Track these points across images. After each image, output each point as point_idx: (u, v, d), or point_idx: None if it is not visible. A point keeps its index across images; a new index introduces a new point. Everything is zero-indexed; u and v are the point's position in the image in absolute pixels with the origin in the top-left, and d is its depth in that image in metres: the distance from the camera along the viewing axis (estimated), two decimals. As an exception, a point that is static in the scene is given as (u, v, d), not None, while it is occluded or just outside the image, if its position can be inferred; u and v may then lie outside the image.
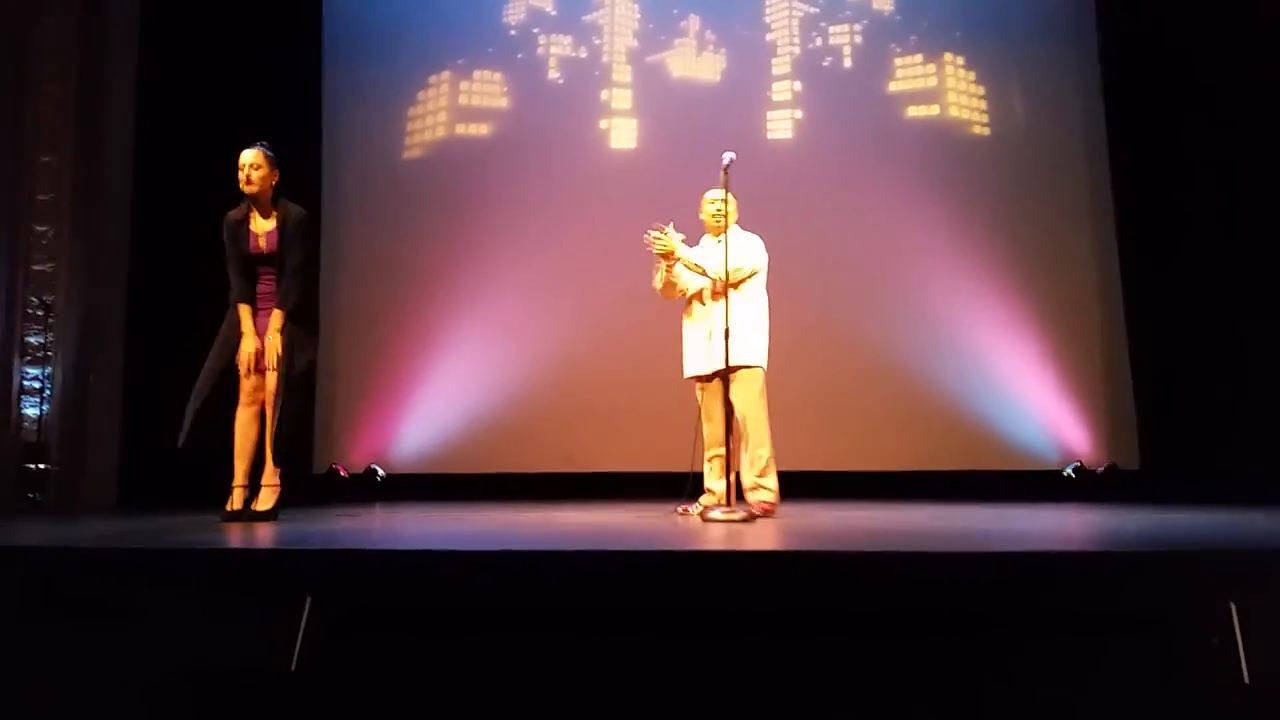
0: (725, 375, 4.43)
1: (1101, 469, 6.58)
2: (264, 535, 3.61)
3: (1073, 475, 6.57)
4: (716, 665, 2.58)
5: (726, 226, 4.55)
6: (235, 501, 4.32)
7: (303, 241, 4.38)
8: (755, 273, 4.60)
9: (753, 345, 4.54)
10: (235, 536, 3.56)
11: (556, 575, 2.71)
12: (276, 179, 4.41)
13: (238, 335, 4.34)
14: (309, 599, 2.59)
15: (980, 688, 2.52)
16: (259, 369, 4.30)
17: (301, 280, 4.37)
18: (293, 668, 2.49)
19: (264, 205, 4.36)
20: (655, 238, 4.54)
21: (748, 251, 4.59)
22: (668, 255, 4.56)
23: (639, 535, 3.46)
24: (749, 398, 4.51)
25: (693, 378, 4.70)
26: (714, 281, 4.52)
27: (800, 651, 2.57)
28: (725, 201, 4.58)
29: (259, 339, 4.31)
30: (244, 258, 4.34)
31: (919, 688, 2.53)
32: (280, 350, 4.26)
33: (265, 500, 4.33)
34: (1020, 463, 6.62)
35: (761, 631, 2.59)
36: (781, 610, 2.61)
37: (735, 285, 4.51)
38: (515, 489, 6.38)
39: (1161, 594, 2.55)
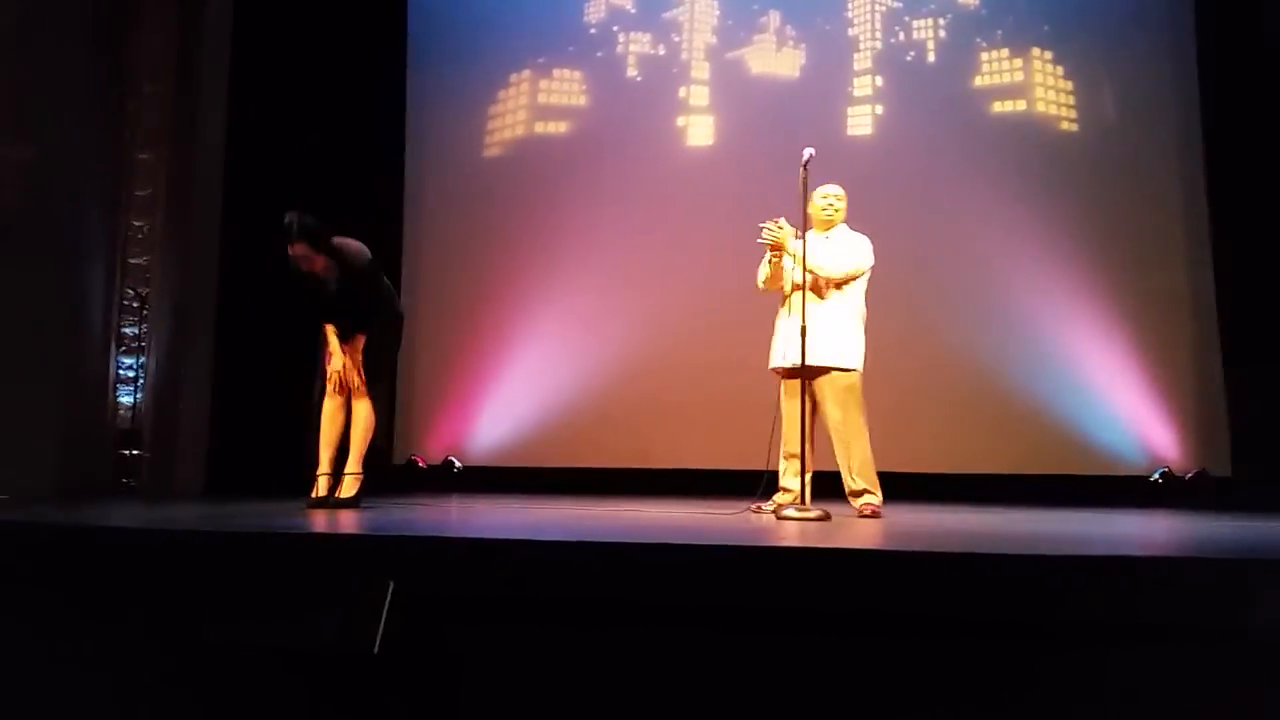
0: (806, 374, 4.38)
1: (1190, 475, 6.36)
2: (347, 521, 3.69)
3: (1161, 481, 6.37)
4: (786, 661, 2.57)
5: (806, 226, 4.49)
6: (320, 489, 4.42)
7: (373, 277, 4.49)
8: (861, 273, 4.50)
9: (847, 347, 4.43)
10: (320, 522, 3.65)
11: (628, 568, 2.71)
12: (323, 243, 4.39)
13: (326, 353, 4.53)
14: (391, 584, 2.64)
15: (1059, 694, 2.46)
16: (343, 389, 4.48)
17: (382, 310, 4.55)
18: (375, 650, 2.54)
19: (328, 268, 4.42)
20: (767, 229, 4.48)
21: (855, 251, 4.50)
22: (777, 247, 4.47)
23: (712, 531, 3.45)
24: (844, 401, 4.42)
25: (776, 371, 4.61)
26: (814, 278, 4.43)
27: (871, 650, 2.54)
28: (804, 197, 4.50)
29: (344, 357, 4.46)
30: (317, 294, 4.46)
31: (1001, 693, 2.49)
32: (361, 371, 4.45)
33: (349, 488, 4.43)
34: (1107, 467, 6.44)
35: (836, 630, 2.57)
36: (855, 609, 2.58)
37: (838, 285, 4.45)
38: (589, 484, 6.41)
39: (1252, 603, 2.46)
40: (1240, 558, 2.77)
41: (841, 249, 4.49)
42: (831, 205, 4.58)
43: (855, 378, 4.46)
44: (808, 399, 4.47)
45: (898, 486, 4.64)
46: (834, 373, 4.42)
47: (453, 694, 2.67)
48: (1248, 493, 5.95)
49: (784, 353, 4.47)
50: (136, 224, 6.36)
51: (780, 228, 4.46)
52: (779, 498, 4.52)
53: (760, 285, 4.70)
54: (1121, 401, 6.51)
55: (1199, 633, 2.44)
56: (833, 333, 4.40)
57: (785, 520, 4.05)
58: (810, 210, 4.57)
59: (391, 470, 6.87)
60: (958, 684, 2.50)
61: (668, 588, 2.66)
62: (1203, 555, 2.88)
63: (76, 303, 5.90)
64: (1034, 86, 6.94)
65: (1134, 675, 2.44)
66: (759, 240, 4.51)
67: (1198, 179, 6.62)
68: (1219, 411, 6.40)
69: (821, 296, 4.43)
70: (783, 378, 4.56)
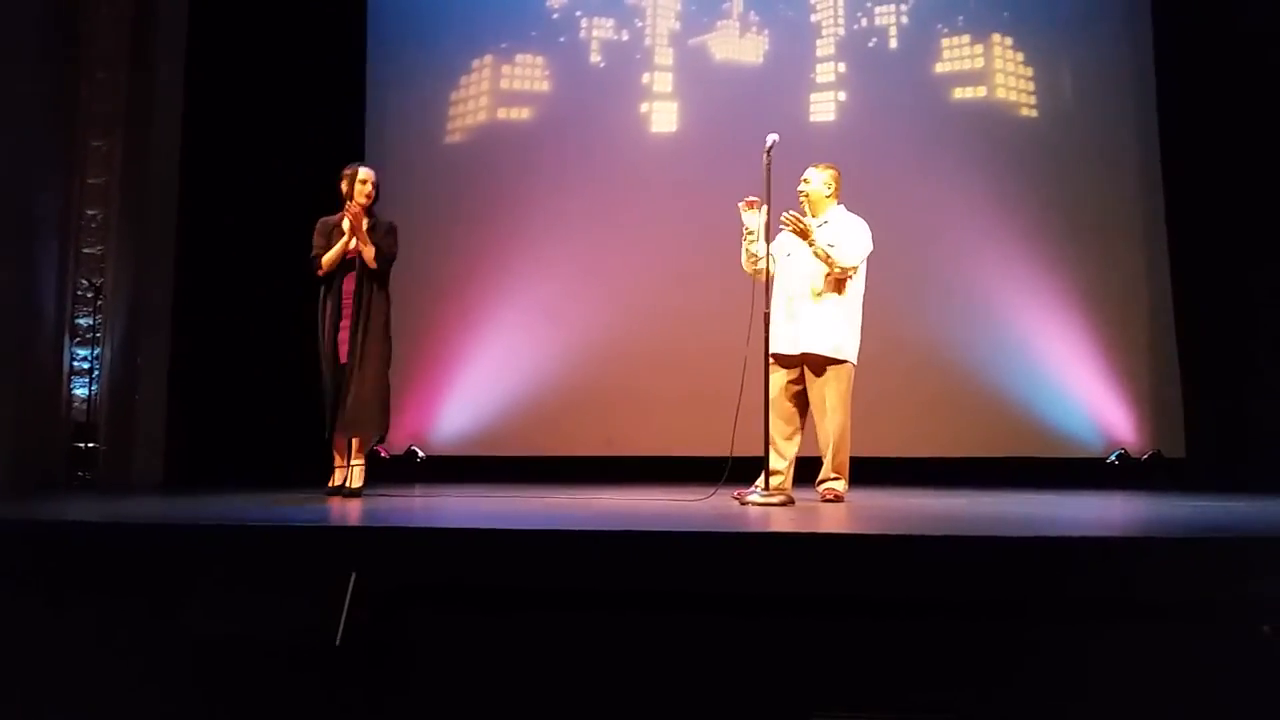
0: (805, 362, 4.41)
1: (1146, 456, 6.47)
2: (310, 512, 3.66)
3: (1116, 462, 6.47)
4: (749, 644, 2.58)
5: (770, 211, 4.48)
6: (338, 479, 4.65)
7: (393, 240, 4.80)
8: (856, 268, 4.49)
9: (847, 340, 4.46)
10: (281, 514, 3.61)
11: (592, 555, 2.72)
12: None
13: (328, 322, 4.66)
14: (354, 575, 2.62)
15: (1019, 674, 2.49)
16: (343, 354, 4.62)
17: (388, 259, 4.76)
18: (338, 642, 2.52)
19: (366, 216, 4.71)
20: (793, 218, 4.45)
21: (857, 241, 4.48)
22: (804, 235, 4.43)
23: (677, 517, 3.46)
24: (840, 393, 4.44)
25: (775, 357, 4.46)
26: (815, 265, 4.43)
27: (834, 631, 2.56)
28: (768, 183, 4.48)
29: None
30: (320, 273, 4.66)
31: (959, 672, 2.51)
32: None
33: (360, 478, 4.69)
34: (1064, 450, 6.53)
35: (801, 612, 2.58)
36: (819, 592, 2.60)
37: (843, 274, 4.44)
38: (553, 472, 6.39)
39: (1208, 582, 2.51)
40: (1194, 537, 2.82)
41: (845, 236, 4.47)
42: (802, 193, 4.57)
43: (850, 369, 4.49)
44: (797, 385, 4.49)
45: (858, 470, 4.67)
46: (833, 363, 4.44)
47: (415, 683, 2.66)
48: (1201, 473, 6.06)
49: (793, 339, 4.44)
50: (90, 213, 6.23)
51: (798, 217, 4.44)
52: (772, 480, 4.48)
53: (746, 268, 4.66)
54: (1079, 385, 6.61)
55: (1153, 609, 2.49)
56: (836, 323, 4.43)
57: (748, 506, 4.07)
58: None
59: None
60: (921, 662, 2.53)
61: (632, 574, 2.67)
62: (1158, 535, 2.93)
63: (28, 293, 5.77)
64: (994, 73, 6.99)
65: (1091, 651, 2.48)
66: (783, 226, 4.48)
67: (1154, 165, 6.72)
68: (1174, 395, 6.51)
69: (824, 284, 4.44)
70: (777, 364, 4.49)
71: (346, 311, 4.65)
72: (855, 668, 2.54)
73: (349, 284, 4.67)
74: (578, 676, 2.61)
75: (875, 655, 2.54)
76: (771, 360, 4.41)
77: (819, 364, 4.44)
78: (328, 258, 4.63)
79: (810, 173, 4.60)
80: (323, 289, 4.70)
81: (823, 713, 2.49)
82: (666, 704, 2.57)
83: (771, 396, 4.38)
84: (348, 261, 4.67)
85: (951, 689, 2.50)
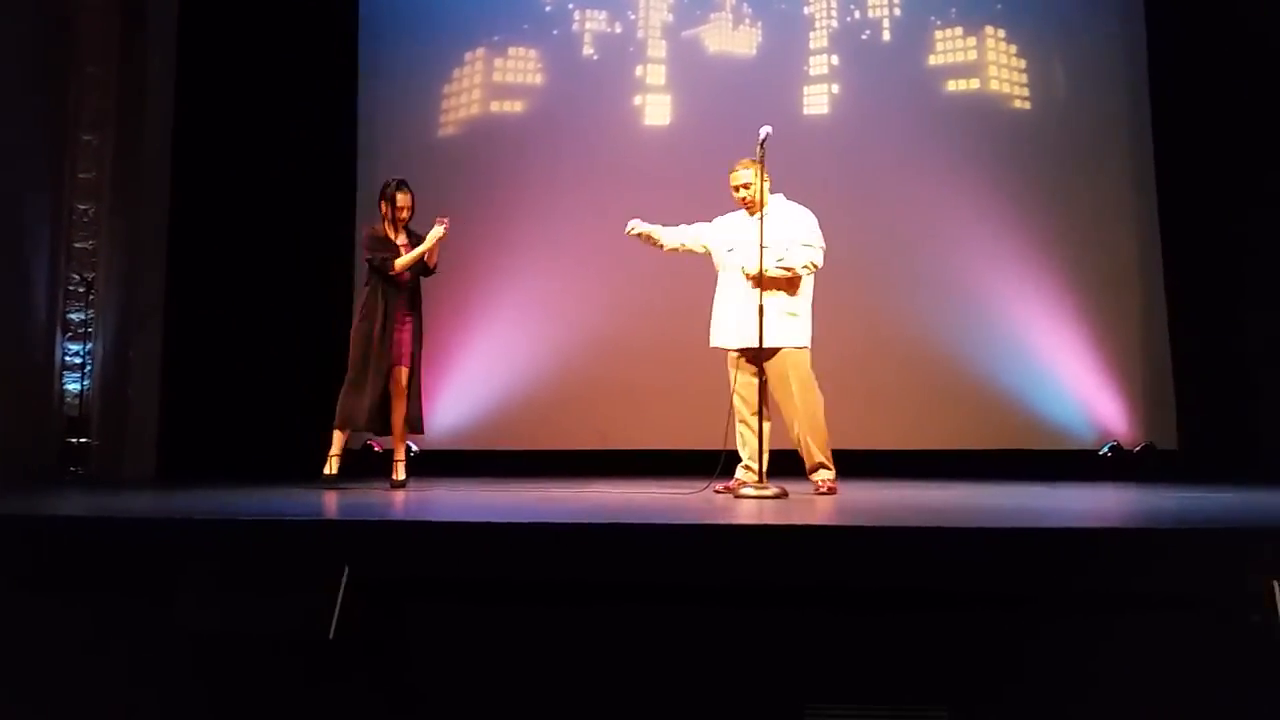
0: (760, 354, 4.38)
1: (1138, 448, 6.49)
2: (303, 506, 3.65)
3: (1109, 454, 6.49)
4: (747, 636, 2.58)
5: (762, 205, 4.47)
6: (331, 467, 4.91)
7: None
8: (818, 265, 4.47)
9: (798, 327, 4.45)
10: (274, 507, 3.61)
11: (587, 548, 2.72)
12: None
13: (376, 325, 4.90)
14: (346, 568, 2.61)
15: (1012, 664, 2.50)
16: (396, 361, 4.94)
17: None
18: (331, 635, 2.52)
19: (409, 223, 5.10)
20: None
21: (814, 235, 4.46)
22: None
23: (671, 510, 3.46)
24: (801, 379, 4.44)
25: (723, 351, 4.56)
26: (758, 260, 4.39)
27: (831, 623, 2.57)
28: (760, 177, 4.49)
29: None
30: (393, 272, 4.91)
31: (952, 663, 2.52)
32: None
33: (400, 471, 5.03)
34: (1057, 442, 6.55)
35: (794, 604, 2.59)
36: (814, 584, 2.60)
37: (808, 267, 4.43)
38: (548, 467, 6.39)
39: (1200, 573, 2.52)
40: (1186, 528, 2.83)
41: (798, 233, 4.46)
42: (743, 199, 4.53)
43: (807, 355, 4.49)
44: (759, 377, 4.48)
45: (851, 463, 4.68)
46: (787, 351, 4.43)
47: (409, 676, 2.66)
48: (1193, 465, 6.08)
49: (738, 333, 4.45)
50: (81, 207, 6.21)
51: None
52: (743, 475, 4.52)
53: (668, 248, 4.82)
54: (1071, 377, 6.62)
55: (1145, 600, 2.50)
56: (784, 312, 4.41)
57: (744, 499, 4.07)
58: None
59: (348, 455, 6.78)
60: (914, 654, 2.54)
61: (627, 567, 2.67)
62: (1151, 527, 2.94)
63: (19, 289, 5.76)
64: (987, 65, 6.99)
65: (1083, 642, 2.49)
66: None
67: (1147, 155, 6.73)
68: (1166, 387, 6.53)
69: (770, 276, 4.43)
70: (733, 356, 4.54)
71: (401, 316, 4.96)
72: (849, 660, 2.55)
73: (402, 290, 4.97)
74: (571, 669, 2.62)
75: (869, 648, 2.55)
76: (732, 355, 4.48)
77: (769, 354, 4.41)
78: (402, 263, 4.93)
79: (739, 175, 4.53)
80: (375, 293, 4.93)
81: (816, 705, 2.49)
82: (661, 696, 2.57)
83: (741, 390, 4.47)
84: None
85: (944, 681, 2.51)
